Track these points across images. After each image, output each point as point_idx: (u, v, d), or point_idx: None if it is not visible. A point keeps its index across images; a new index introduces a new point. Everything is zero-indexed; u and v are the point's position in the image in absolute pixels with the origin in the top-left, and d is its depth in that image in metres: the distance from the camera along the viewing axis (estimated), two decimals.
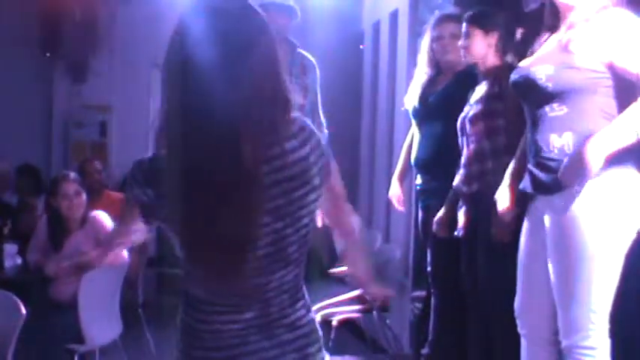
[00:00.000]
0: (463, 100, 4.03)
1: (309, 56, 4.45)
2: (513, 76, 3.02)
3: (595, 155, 2.62)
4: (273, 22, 4.46)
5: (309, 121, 1.90)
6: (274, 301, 1.87)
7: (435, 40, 4.32)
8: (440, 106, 4.23)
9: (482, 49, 3.82)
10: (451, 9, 4.81)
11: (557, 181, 2.79)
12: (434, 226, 4.08)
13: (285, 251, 1.84)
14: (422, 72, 4.40)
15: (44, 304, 4.55)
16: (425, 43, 4.39)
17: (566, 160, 2.74)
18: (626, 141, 2.65)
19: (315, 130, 1.88)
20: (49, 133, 8.11)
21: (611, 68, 2.76)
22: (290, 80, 4.47)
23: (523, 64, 3.01)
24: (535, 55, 2.98)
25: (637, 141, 2.66)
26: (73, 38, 7.82)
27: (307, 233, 1.87)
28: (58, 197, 4.76)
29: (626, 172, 2.77)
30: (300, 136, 1.83)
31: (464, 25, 3.86)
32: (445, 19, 4.35)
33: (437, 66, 4.35)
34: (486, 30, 3.81)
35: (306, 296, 1.96)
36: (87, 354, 4.56)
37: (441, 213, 4.04)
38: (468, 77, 4.13)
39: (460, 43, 3.87)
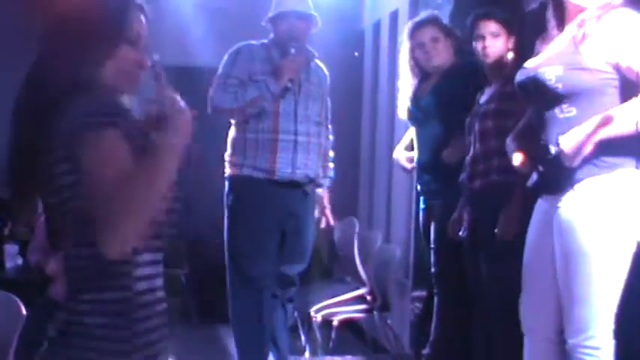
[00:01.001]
0: (455, 98, 4.03)
1: (323, 67, 4.52)
2: (519, 77, 2.99)
3: (594, 140, 2.67)
4: (295, 29, 4.57)
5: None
6: (66, 277, 1.90)
7: (417, 47, 4.30)
8: (434, 106, 4.24)
9: (504, 50, 3.81)
10: (448, 8, 4.80)
11: (565, 181, 2.80)
12: (449, 228, 4.03)
13: (53, 222, 1.89)
14: (407, 83, 4.39)
15: (45, 304, 4.54)
16: (404, 52, 4.38)
17: (570, 136, 2.74)
18: (625, 130, 2.68)
19: (84, 109, 1.80)
20: None
21: (618, 69, 2.76)
22: (308, 88, 4.42)
23: (529, 64, 2.98)
24: (541, 56, 2.96)
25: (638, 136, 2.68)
26: None
27: (70, 211, 1.79)
28: None
29: (633, 172, 2.77)
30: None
31: (489, 23, 3.82)
32: (421, 25, 4.32)
33: (421, 71, 4.35)
34: (510, 31, 3.81)
35: (95, 299, 1.82)
36: None
37: (455, 214, 4.01)
38: (455, 75, 4.17)
39: (486, 42, 3.82)
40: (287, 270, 4.47)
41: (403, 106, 4.45)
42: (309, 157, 4.36)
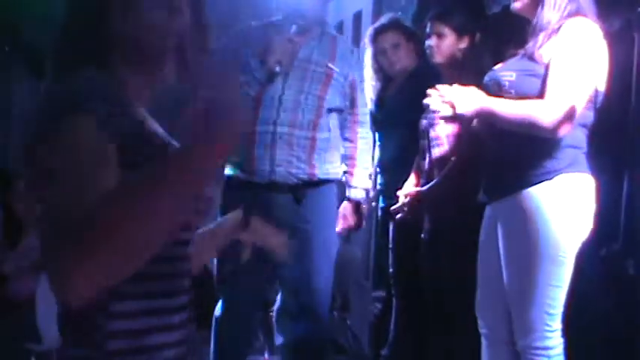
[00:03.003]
0: (419, 100, 4.03)
1: (345, 41, 4.12)
2: (485, 78, 3.02)
3: (472, 104, 2.80)
4: (303, 2, 3.80)
5: None
6: None
7: (380, 53, 4.32)
8: (397, 108, 4.25)
9: (452, 50, 3.80)
10: (411, 9, 4.81)
11: (507, 188, 2.83)
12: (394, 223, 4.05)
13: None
14: (369, 85, 4.35)
15: (1, 303, 4.49)
16: (368, 56, 4.37)
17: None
18: (505, 121, 2.76)
19: None
20: (8, 132, 7.99)
21: (547, 69, 2.78)
22: (306, 67, 3.71)
23: (496, 67, 3.01)
24: (505, 61, 2.99)
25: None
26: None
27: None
28: (14, 196, 4.71)
29: (579, 175, 2.81)
30: None
31: (437, 24, 3.81)
32: (382, 30, 4.33)
33: (385, 75, 4.36)
34: (459, 33, 3.80)
35: None
36: (44, 354, 4.51)
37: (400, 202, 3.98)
38: (419, 77, 4.15)
39: (432, 41, 3.82)
40: (309, 281, 3.72)
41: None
42: (293, 151, 3.58)
